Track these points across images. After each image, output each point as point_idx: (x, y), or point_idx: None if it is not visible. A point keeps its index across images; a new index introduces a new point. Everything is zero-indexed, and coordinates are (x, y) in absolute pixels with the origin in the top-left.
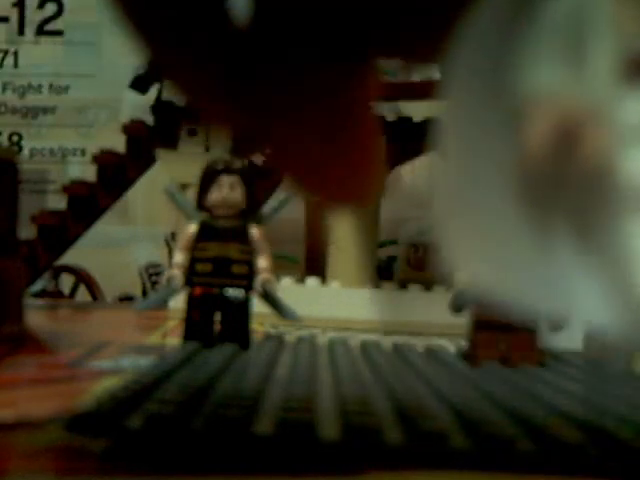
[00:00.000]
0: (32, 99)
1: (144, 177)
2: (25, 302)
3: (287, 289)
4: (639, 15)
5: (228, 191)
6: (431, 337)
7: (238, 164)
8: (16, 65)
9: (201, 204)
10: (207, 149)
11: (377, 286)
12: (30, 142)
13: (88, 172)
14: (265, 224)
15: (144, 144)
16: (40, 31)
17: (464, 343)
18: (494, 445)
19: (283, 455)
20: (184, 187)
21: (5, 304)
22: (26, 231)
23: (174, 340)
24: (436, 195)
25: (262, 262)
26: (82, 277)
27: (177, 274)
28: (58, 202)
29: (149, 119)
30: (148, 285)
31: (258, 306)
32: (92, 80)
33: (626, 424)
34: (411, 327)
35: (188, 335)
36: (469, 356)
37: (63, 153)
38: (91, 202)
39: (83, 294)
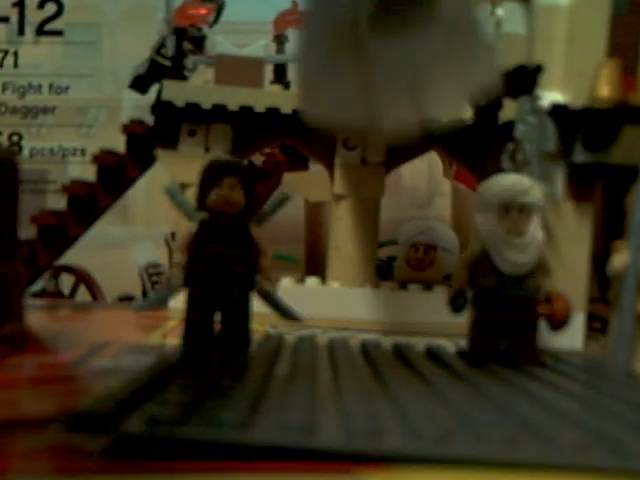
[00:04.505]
0: (32, 99)
1: (144, 177)
2: (25, 302)
3: (287, 289)
4: None
5: (228, 191)
6: (431, 337)
7: (238, 164)
8: (16, 65)
9: (201, 204)
10: (207, 149)
11: (377, 286)
12: (30, 142)
13: (88, 172)
14: (265, 224)
15: (144, 144)
16: (40, 31)
17: (464, 343)
18: (494, 446)
19: (283, 455)
20: (184, 187)
21: (5, 304)
22: (26, 231)
23: (174, 340)
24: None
25: (262, 262)
26: (82, 277)
27: (177, 274)
28: (58, 202)
29: (149, 119)
30: (148, 285)
31: (258, 306)
32: (92, 80)
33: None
34: (411, 327)
35: (188, 335)
36: (469, 356)
37: (63, 153)
38: (91, 202)
39: (83, 294)
